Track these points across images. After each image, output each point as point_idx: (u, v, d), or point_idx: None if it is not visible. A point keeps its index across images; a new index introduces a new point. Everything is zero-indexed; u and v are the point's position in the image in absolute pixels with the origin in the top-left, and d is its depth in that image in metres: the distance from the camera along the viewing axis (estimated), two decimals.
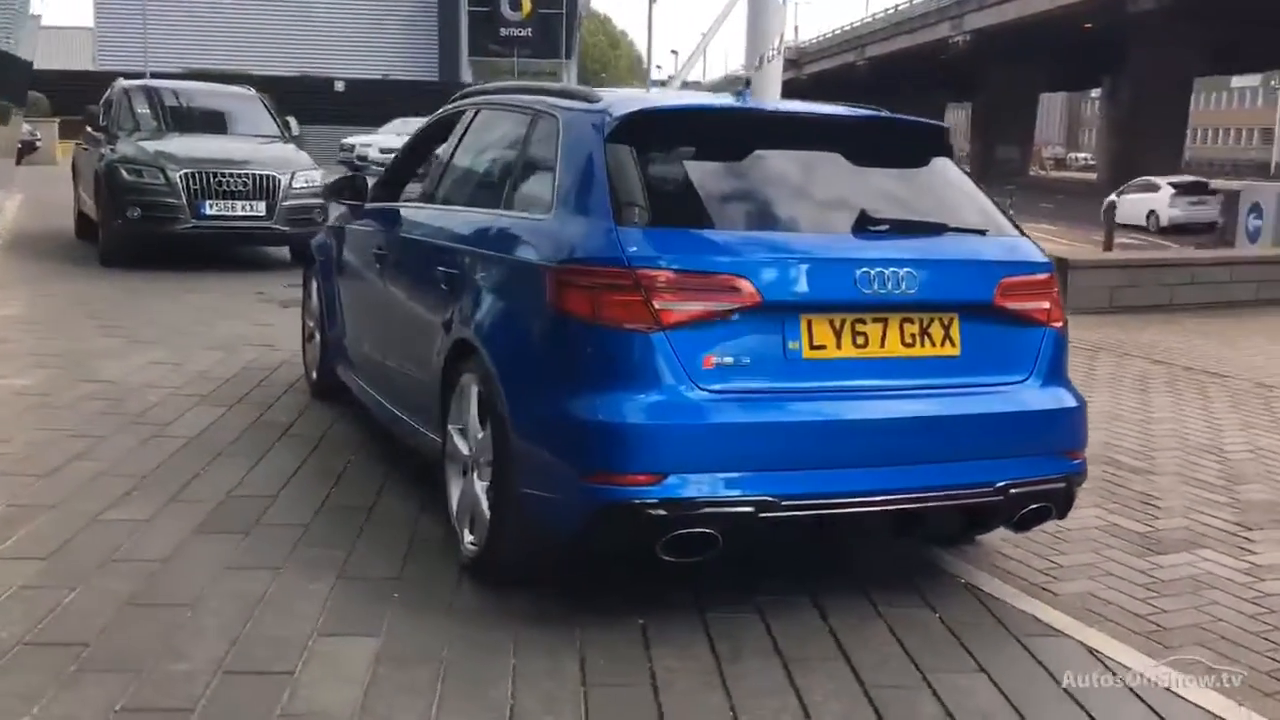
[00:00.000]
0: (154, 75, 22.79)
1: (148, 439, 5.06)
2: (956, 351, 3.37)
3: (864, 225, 3.40)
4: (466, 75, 46.37)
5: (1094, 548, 4.14)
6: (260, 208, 10.62)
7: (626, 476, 3.09)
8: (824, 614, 3.48)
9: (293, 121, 12.37)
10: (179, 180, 10.28)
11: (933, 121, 3.86)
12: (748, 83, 3.77)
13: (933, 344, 3.35)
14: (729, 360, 3.16)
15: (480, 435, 3.58)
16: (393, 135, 31.55)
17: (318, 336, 5.88)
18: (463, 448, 3.72)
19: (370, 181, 5.32)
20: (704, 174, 3.49)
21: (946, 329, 3.36)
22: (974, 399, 3.37)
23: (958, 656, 3.26)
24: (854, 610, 3.53)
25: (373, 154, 30.37)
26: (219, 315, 8.27)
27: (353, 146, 31.15)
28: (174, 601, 3.40)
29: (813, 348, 3.23)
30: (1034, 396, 3.47)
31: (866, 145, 3.71)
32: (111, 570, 3.60)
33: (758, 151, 3.55)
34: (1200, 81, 59.64)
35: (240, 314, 8.39)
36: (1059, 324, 3.56)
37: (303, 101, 28.06)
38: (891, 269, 3.25)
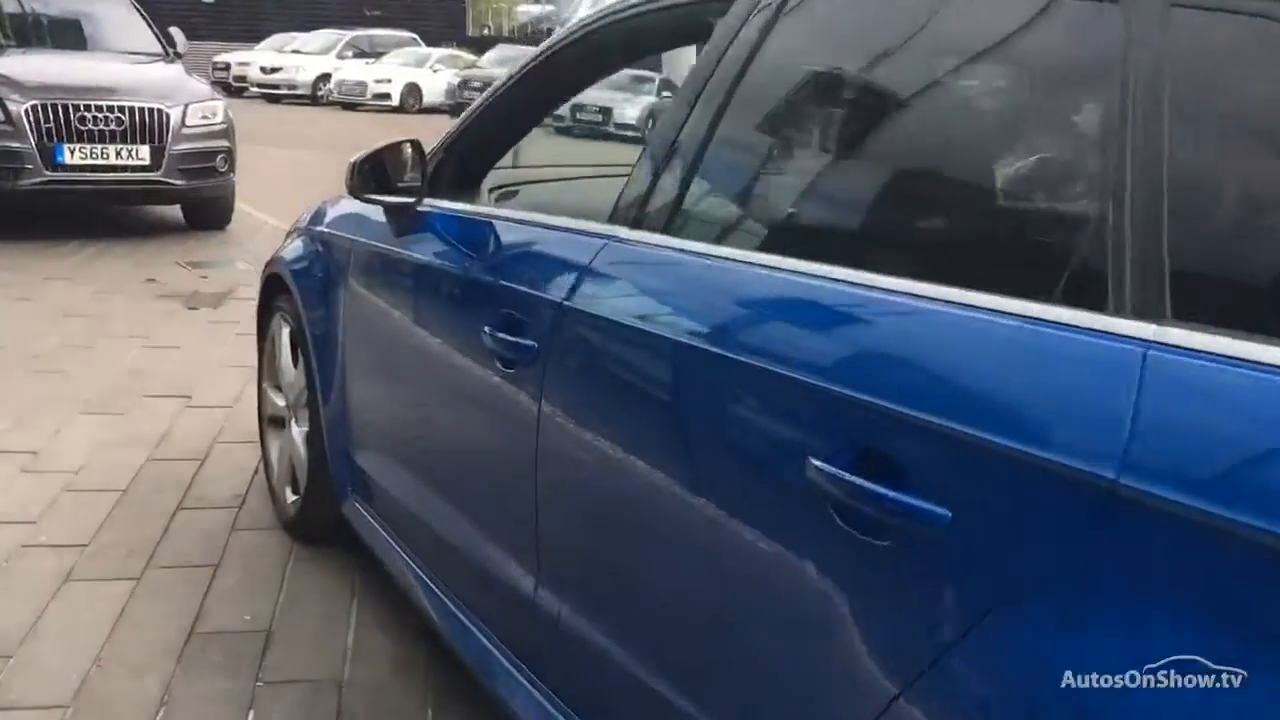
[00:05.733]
0: None
1: None
2: None
3: None
4: None
5: None
6: (142, 154, 7.67)
7: None
8: None
9: (178, 34, 9.27)
10: (23, 116, 7.29)
11: None
12: None
13: None
14: None
15: None
16: (272, 52, 28.00)
17: (296, 426, 3.22)
18: None
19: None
20: None
21: None
22: None
23: None
24: None
25: (253, 74, 26.77)
26: (95, 327, 5.43)
27: (228, 65, 27.40)
28: None
29: None
30: None
31: None
32: None
33: None
34: None
35: (127, 322, 5.55)
36: None
37: (164, 11, 23.83)
38: None
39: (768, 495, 1.44)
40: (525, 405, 1.93)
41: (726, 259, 1.63)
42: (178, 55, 9.00)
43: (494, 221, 2.30)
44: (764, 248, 1.62)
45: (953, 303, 1.26)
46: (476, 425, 2.22)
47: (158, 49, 8.92)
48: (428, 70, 26.18)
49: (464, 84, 24.30)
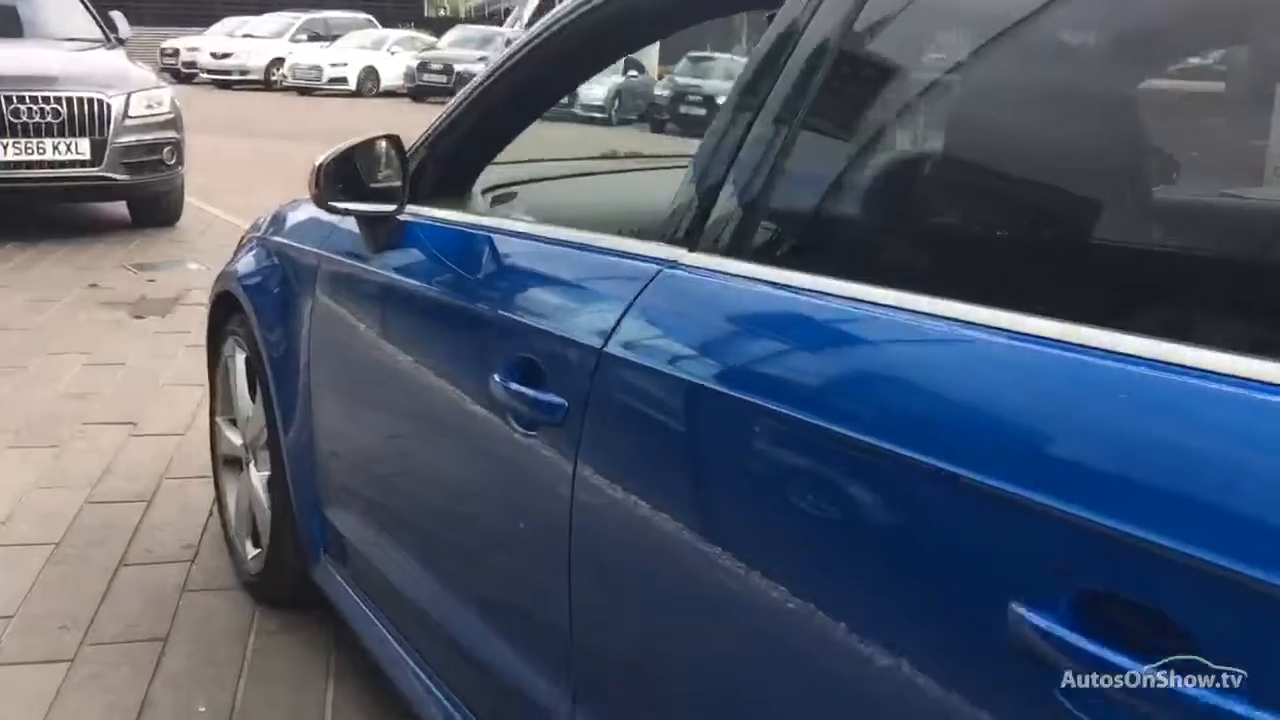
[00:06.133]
0: None
1: None
2: None
3: None
4: None
5: None
6: (82, 148, 7.13)
7: None
8: None
9: (120, 19, 8.70)
10: None
11: None
12: None
13: None
14: None
15: None
16: (223, 36, 27.24)
17: (255, 470, 2.76)
18: None
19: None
20: None
21: None
22: None
23: None
24: None
25: (203, 60, 26.00)
26: (29, 342, 4.91)
27: (176, 51, 26.59)
28: None
29: None
30: None
31: None
32: None
33: None
34: None
35: (66, 336, 5.04)
36: None
37: None
38: None
39: (928, 637, 1.00)
40: (554, 477, 1.48)
41: (837, 296, 1.18)
42: (120, 41, 8.44)
43: (496, 236, 1.85)
44: (888, 280, 1.13)
45: (1211, 373, 0.84)
46: (485, 494, 1.77)
47: (98, 34, 8.36)
48: (385, 53, 25.52)
49: (423, 66, 23.70)
